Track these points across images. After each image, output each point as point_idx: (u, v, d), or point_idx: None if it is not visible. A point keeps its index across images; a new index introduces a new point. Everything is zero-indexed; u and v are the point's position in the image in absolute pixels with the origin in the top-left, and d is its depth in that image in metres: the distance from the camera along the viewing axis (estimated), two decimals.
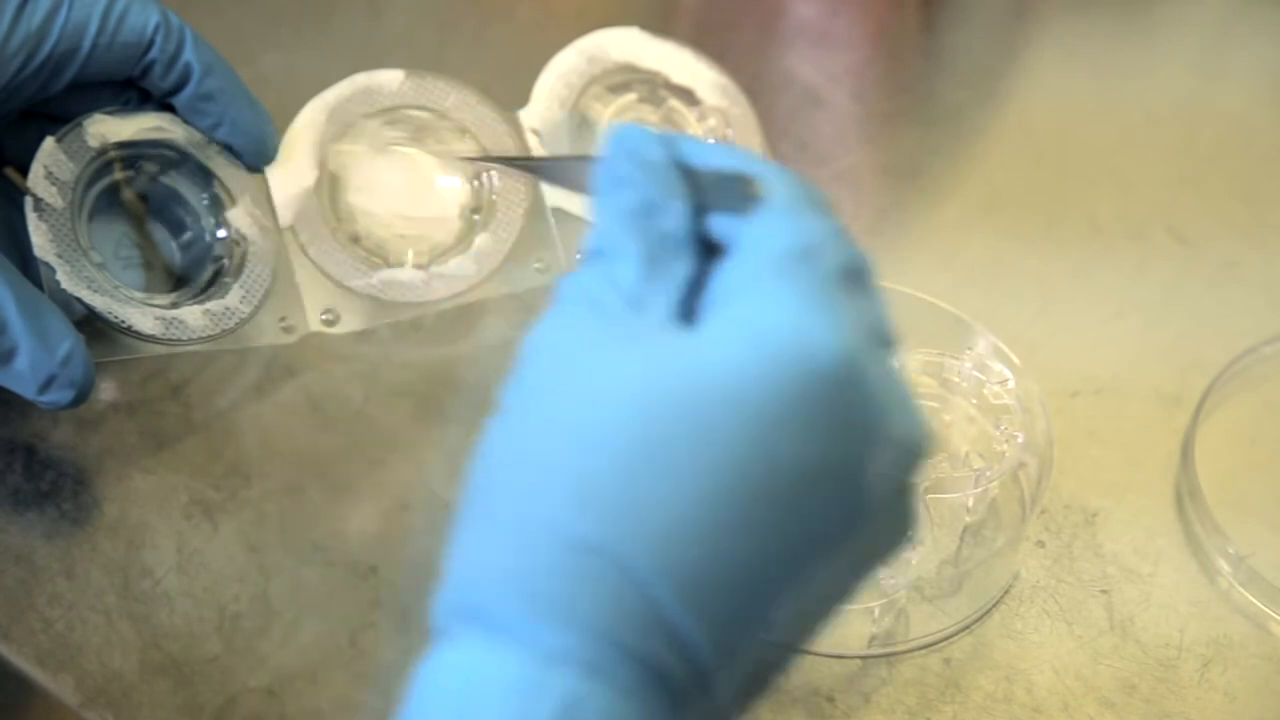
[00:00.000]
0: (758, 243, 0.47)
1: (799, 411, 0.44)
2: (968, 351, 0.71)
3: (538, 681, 0.42)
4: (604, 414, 0.44)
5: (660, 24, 0.81)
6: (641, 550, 0.43)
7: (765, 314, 0.45)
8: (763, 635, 0.44)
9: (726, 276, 0.47)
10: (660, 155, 0.49)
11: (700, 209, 0.48)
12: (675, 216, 0.48)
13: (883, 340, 0.47)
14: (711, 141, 0.50)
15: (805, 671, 0.64)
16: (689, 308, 0.47)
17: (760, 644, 0.45)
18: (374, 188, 0.75)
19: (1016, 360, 0.71)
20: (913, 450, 0.46)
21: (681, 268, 0.47)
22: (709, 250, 0.48)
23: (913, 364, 0.71)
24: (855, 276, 0.47)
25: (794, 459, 0.44)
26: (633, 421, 0.44)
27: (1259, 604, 0.68)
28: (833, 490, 0.44)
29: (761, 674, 0.46)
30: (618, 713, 0.42)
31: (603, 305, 0.47)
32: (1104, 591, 0.68)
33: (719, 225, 0.48)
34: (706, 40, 0.83)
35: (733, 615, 0.43)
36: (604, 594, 0.43)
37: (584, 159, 0.52)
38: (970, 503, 0.68)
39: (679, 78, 0.80)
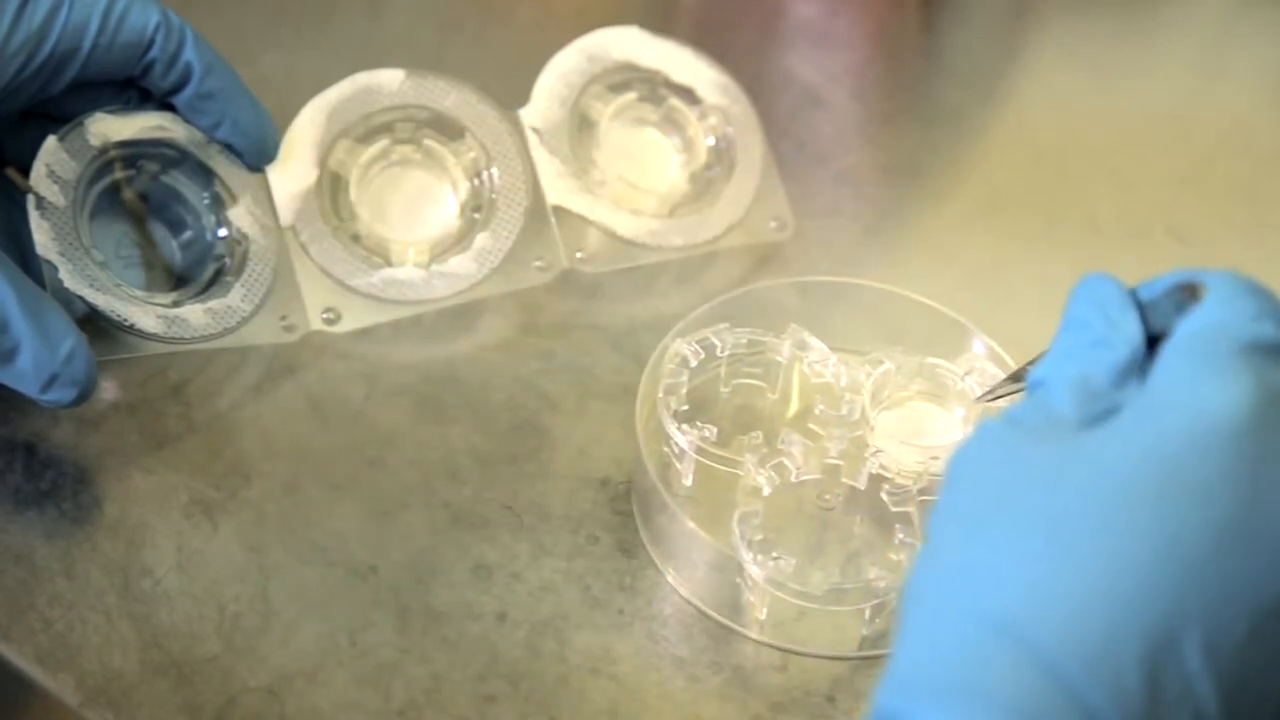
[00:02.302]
0: (1177, 332, 0.49)
1: (1194, 477, 0.45)
2: (964, 355, 0.71)
3: None
4: (1015, 510, 0.46)
5: (660, 24, 0.81)
6: (1048, 630, 0.43)
7: (1166, 390, 0.47)
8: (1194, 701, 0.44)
9: (1153, 369, 0.49)
10: (1117, 297, 0.52)
11: (1149, 333, 0.51)
12: (1117, 355, 0.50)
13: None
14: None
15: (804, 672, 0.64)
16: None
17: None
18: None
19: (1013, 363, 0.70)
20: None
21: (1113, 396, 0.49)
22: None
23: (909, 367, 0.71)
24: (1273, 352, 0.48)
25: (1195, 525, 0.44)
26: (1042, 512, 0.45)
27: None
28: (1245, 552, 0.44)
29: None
30: None
31: (1023, 423, 0.49)
32: None
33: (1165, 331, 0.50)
34: (706, 40, 0.83)
35: (1150, 694, 0.43)
36: (1010, 674, 0.43)
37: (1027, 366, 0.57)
38: None
39: (679, 76, 0.80)
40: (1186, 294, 0.51)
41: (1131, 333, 0.50)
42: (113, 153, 0.71)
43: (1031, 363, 0.55)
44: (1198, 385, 0.46)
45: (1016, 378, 0.63)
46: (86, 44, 0.67)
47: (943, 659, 0.44)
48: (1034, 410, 0.49)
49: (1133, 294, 0.52)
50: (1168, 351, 0.49)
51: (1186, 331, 0.49)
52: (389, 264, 0.75)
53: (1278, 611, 0.44)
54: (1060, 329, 0.52)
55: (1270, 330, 0.49)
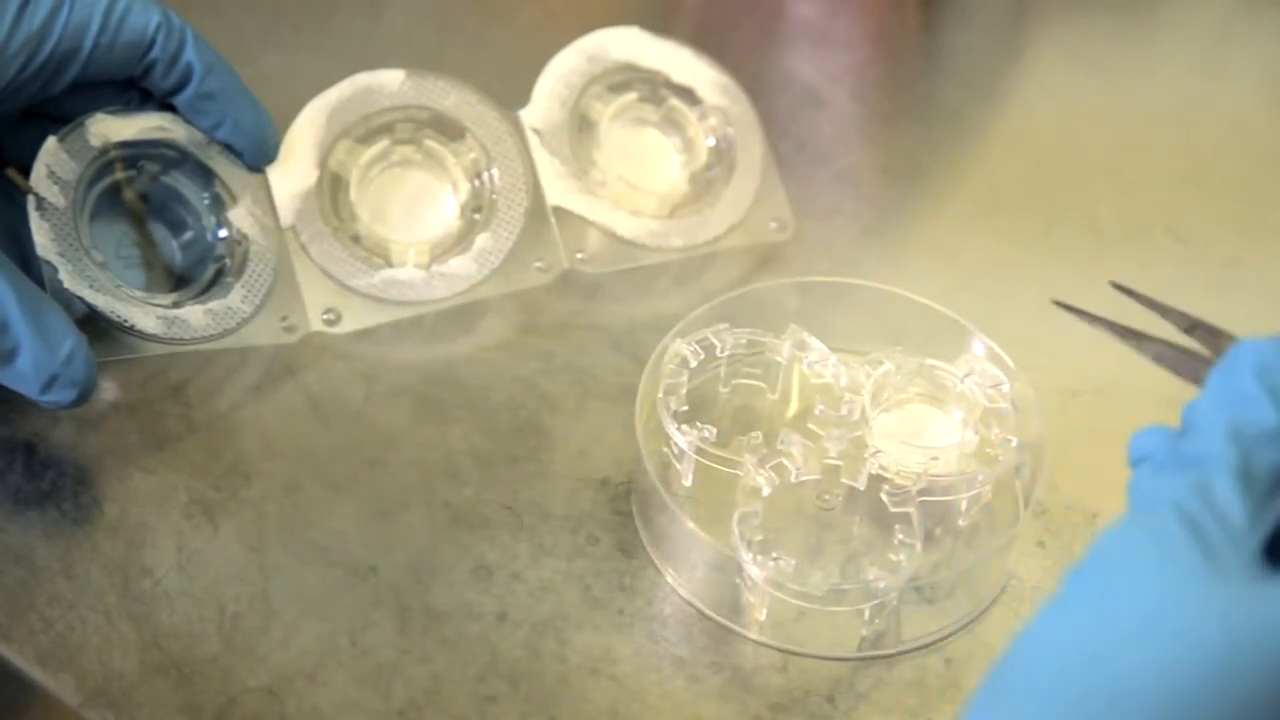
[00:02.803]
0: None
1: None
2: (963, 355, 0.71)
3: None
4: (1165, 644, 0.43)
5: (661, 24, 0.81)
6: None
7: None
8: None
9: None
10: None
11: None
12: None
13: None
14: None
15: (804, 672, 0.64)
16: None
17: None
18: None
19: (1011, 363, 0.71)
20: None
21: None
22: None
23: (908, 368, 0.71)
24: None
25: None
26: (1192, 661, 0.43)
27: None
28: None
29: None
30: None
31: (1205, 535, 0.45)
32: None
33: None
34: (707, 40, 0.83)
35: None
36: None
37: (1203, 360, 0.51)
38: (964, 506, 0.68)
39: (679, 77, 0.80)
40: None
41: None
42: (113, 153, 0.71)
43: (1145, 336, 0.51)
44: None
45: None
46: (87, 44, 0.67)
47: None
48: (1204, 510, 0.45)
49: None
50: None
51: None
52: (389, 265, 0.75)
53: None
54: (1217, 394, 0.47)
55: None
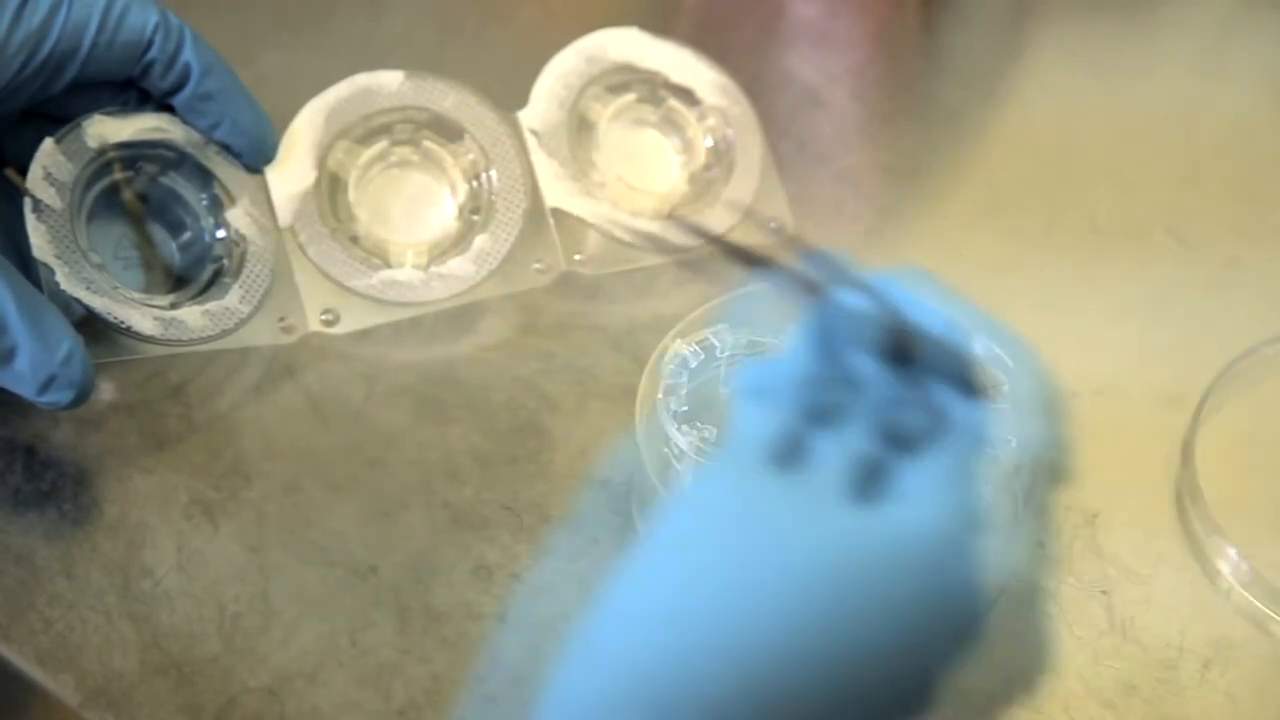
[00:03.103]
0: (962, 435, 0.47)
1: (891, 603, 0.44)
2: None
3: None
4: (752, 563, 0.44)
5: (660, 24, 0.81)
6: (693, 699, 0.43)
7: (919, 509, 0.46)
8: None
9: (920, 464, 0.47)
10: (880, 329, 0.48)
11: (920, 378, 0.48)
12: (868, 405, 0.47)
13: (983, 525, 0.47)
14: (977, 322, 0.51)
15: None
16: (871, 484, 0.46)
17: None
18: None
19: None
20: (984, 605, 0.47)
21: (856, 445, 0.47)
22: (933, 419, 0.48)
23: None
24: (1044, 485, 0.48)
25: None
26: (784, 572, 0.44)
27: (1260, 605, 0.68)
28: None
29: None
30: None
31: (767, 459, 0.46)
32: (1104, 592, 0.68)
33: (945, 400, 0.48)
34: (706, 40, 0.83)
35: None
36: None
37: (816, 286, 0.50)
38: None
39: (678, 77, 0.80)
40: (972, 371, 0.48)
41: (879, 397, 0.47)
42: (111, 154, 0.71)
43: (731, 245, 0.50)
44: (954, 526, 0.46)
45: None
46: (86, 43, 0.67)
47: (591, 701, 0.43)
48: (750, 446, 0.46)
49: (898, 330, 0.48)
50: (946, 456, 0.47)
51: (969, 443, 0.47)
52: (388, 265, 0.75)
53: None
54: (811, 332, 0.48)
55: (1060, 469, 0.48)
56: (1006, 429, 0.68)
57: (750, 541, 0.44)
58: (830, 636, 0.43)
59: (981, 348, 0.50)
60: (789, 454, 0.46)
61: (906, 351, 0.48)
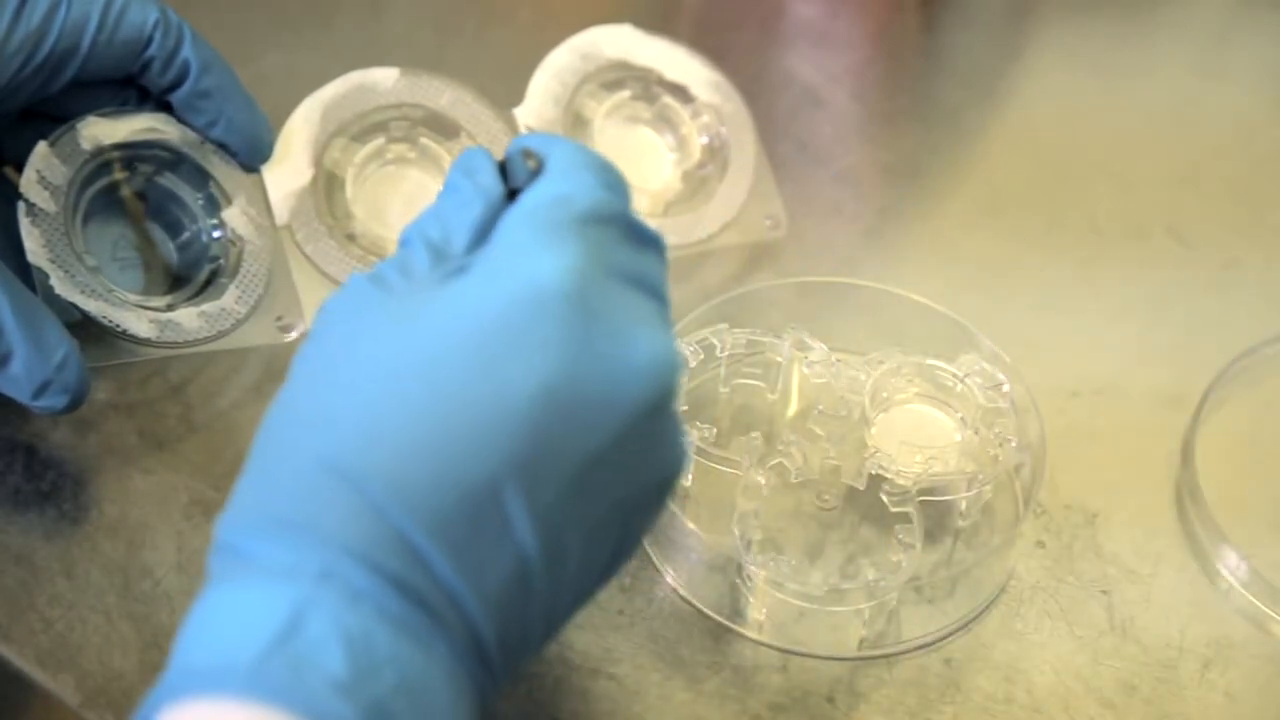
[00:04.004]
0: (519, 202, 0.52)
1: (518, 338, 0.48)
2: (964, 355, 0.71)
3: (269, 596, 0.45)
4: (359, 360, 0.49)
5: (660, 24, 0.81)
6: (376, 472, 0.46)
7: (501, 255, 0.50)
8: (528, 564, 0.47)
9: (494, 235, 0.52)
10: (483, 163, 0.55)
11: (508, 187, 0.55)
12: (467, 218, 0.53)
13: (635, 282, 0.51)
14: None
15: (804, 672, 0.64)
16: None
17: (526, 571, 0.47)
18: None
19: (1010, 362, 0.71)
20: (654, 374, 0.49)
21: (461, 246, 0.53)
22: None
23: (908, 368, 0.71)
24: (616, 228, 0.52)
25: (518, 382, 0.47)
26: (382, 363, 0.48)
27: (1259, 604, 0.68)
28: (567, 409, 0.48)
29: (534, 617, 0.48)
30: (351, 619, 0.45)
31: (384, 279, 0.52)
32: (1104, 592, 0.68)
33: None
34: (706, 40, 0.83)
35: (470, 531, 0.47)
36: (339, 510, 0.46)
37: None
38: (964, 506, 0.68)
39: (672, 75, 0.80)
40: (533, 163, 0.54)
41: (488, 195, 0.54)
42: (106, 155, 0.71)
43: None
44: (532, 252, 0.50)
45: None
46: (86, 42, 0.67)
47: (280, 496, 0.47)
48: (396, 267, 0.52)
49: (497, 162, 0.55)
50: (508, 219, 0.52)
51: (528, 202, 0.52)
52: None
53: (595, 463, 0.48)
54: (442, 191, 0.55)
55: (604, 202, 0.52)
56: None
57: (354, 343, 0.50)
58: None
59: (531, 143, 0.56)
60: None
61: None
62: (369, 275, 0.52)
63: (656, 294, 0.52)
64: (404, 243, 0.54)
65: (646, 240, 0.53)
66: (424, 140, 0.77)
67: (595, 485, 0.48)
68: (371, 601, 0.46)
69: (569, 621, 0.50)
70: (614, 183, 0.54)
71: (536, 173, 0.54)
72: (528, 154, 0.54)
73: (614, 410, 0.49)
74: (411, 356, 0.48)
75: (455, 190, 0.54)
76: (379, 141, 0.77)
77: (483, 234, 0.53)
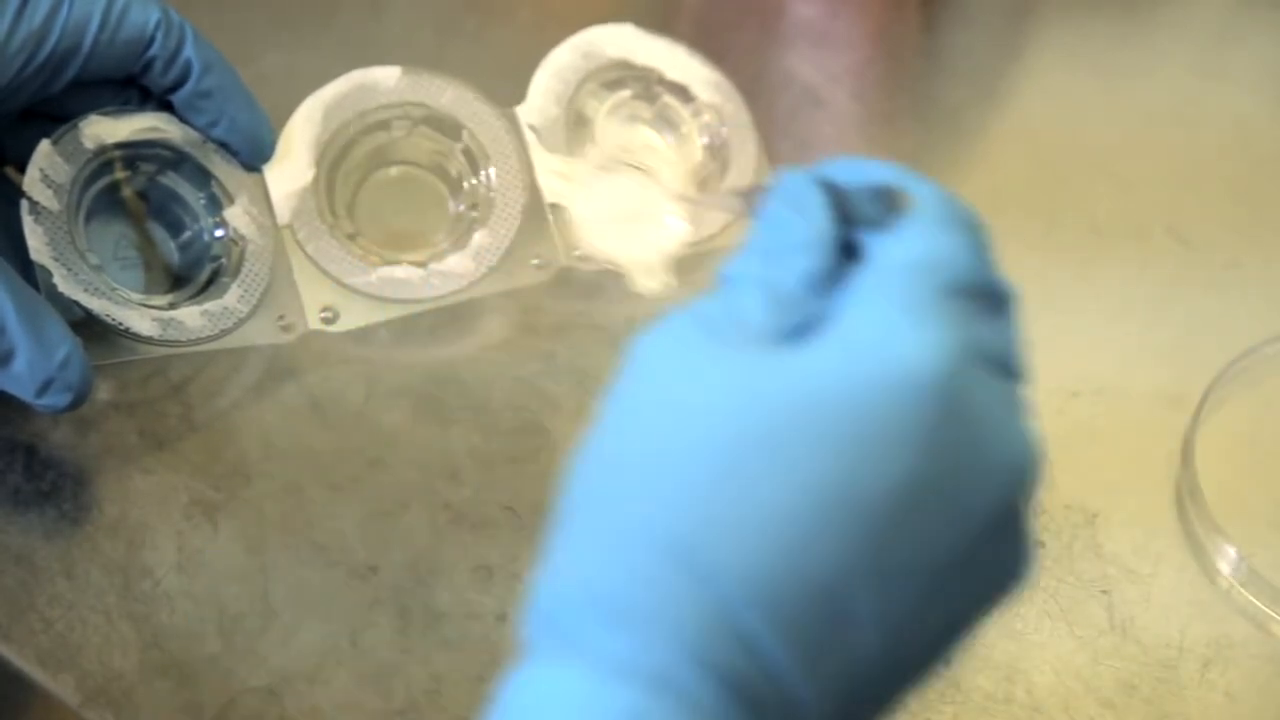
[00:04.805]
0: (880, 257, 0.46)
1: (882, 428, 0.43)
2: None
3: (599, 695, 0.41)
4: (698, 427, 0.43)
5: (660, 24, 0.81)
6: (720, 560, 0.42)
7: (862, 327, 0.44)
8: (867, 664, 0.43)
9: (847, 292, 0.46)
10: (816, 199, 0.48)
11: (847, 227, 0.48)
12: (809, 265, 0.47)
13: (997, 364, 0.45)
14: (870, 162, 0.50)
15: None
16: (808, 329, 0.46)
17: (862, 671, 0.43)
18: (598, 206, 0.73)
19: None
20: (1014, 471, 0.44)
21: (803, 307, 0.46)
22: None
23: None
24: (982, 297, 0.46)
25: (878, 476, 0.42)
26: (725, 435, 0.43)
27: (1259, 604, 0.68)
28: (928, 510, 0.43)
29: (867, 705, 0.44)
30: None
31: (712, 324, 0.46)
32: (1104, 592, 0.68)
33: (865, 240, 0.47)
34: (706, 40, 0.83)
35: (817, 632, 0.42)
36: (677, 600, 0.42)
37: (754, 192, 0.51)
38: None
39: (673, 74, 0.80)
40: (888, 202, 0.48)
41: (828, 238, 0.47)
42: (108, 154, 0.71)
43: (756, 192, 0.51)
44: (895, 330, 0.44)
45: (743, 200, 0.56)
46: (87, 41, 0.67)
47: (612, 575, 0.42)
48: (723, 309, 0.46)
49: (832, 193, 0.48)
50: (867, 282, 0.46)
51: (889, 263, 0.46)
52: (386, 262, 0.75)
53: (946, 565, 0.43)
54: (758, 225, 0.49)
55: (977, 273, 0.47)
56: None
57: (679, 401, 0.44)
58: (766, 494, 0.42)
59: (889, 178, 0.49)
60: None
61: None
62: (692, 315, 0.46)
63: (1015, 371, 0.46)
64: (729, 282, 0.48)
65: (1005, 304, 0.48)
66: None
67: (943, 588, 0.44)
68: (709, 713, 0.41)
69: None
70: (986, 243, 0.48)
71: (887, 215, 0.48)
72: (889, 195, 0.48)
73: (971, 513, 0.44)
74: (757, 430, 0.43)
75: (783, 227, 0.48)
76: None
77: (823, 284, 0.47)
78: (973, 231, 0.48)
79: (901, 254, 0.46)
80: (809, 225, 0.47)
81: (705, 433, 0.43)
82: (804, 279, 0.46)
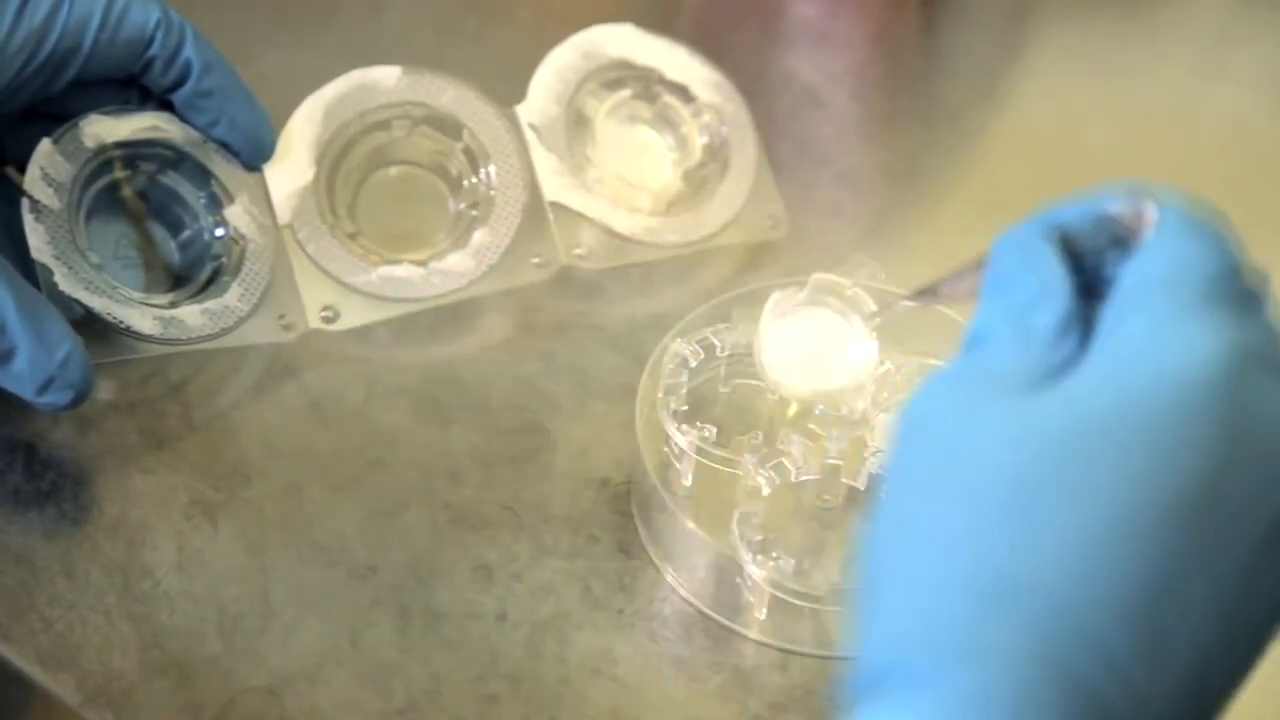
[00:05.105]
0: (1129, 278, 0.47)
1: (1173, 427, 0.43)
2: None
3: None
4: (984, 471, 0.44)
5: (661, 24, 0.81)
6: (1041, 582, 0.42)
7: (1131, 341, 0.45)
8: (1198, 657, 0.43)
9: (1102, 321, 0.47)
10: (1044, 250, 0.49)
11: (1083, 261, 0.49)
12: (1054, 311, 0.47)
13: (1265, 360, 0.45)
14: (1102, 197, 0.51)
15: (805, 672, 0.64)
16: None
17: (1199, 667, 0.44)
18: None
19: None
20: None
21: (1058, 349, 0.47)
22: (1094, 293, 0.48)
23: (909, 368, 0.71)
24: (1240, 297, 0.46)
25: (1177, 471, 0.43)
26: (1012, 472, 0.44)
27: None
28: (1240, 480, 0.43)
29: (1210, 700, 0.45)
30: None
31: (973, 379, 0.47)
32: None
33: (1106, 268, 0.48)
34: (707, 40, 0.83)
35: (1138, 648, 0.42)
36: (1013, 629, 0.42)
37: (977, 266, 0.53)
38: None
39: (673, 74, 0.80)
40: (1118, 227, 0.49)
41: (1066, 284, 0.48)
42: (109, 154, 0.71)
43: (927, 289, 0.53)
44: (1166, 338, 0.45)
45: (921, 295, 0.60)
46: (88, 41, 0.67)
47: (934, 622, 0.43)
48: (979, 366, 0.47)
49: (1059, 236, 0.50)
50: (1121, 302, 0.47)
51: (1142, 280, 0.47)
52: (386, 261, 0.75)
53: (1264, 544, 0.44)
54: (988, 287, 0.50)
55: (1231, 273, 0.47)
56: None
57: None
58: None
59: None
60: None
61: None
62: (951, 376, 0.48)
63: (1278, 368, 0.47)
64: (979, 341, 0.48)
65: (1261, 301, 0.48)
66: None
67: (1259, 566, 0.44)
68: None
69: None
70: (1232, 241, 0.48)
71: (1122, 238, 0.48)
72: (1115, 221, 0.49)
73: (1258, 518, 0.44)
74: (1044, 456, 0.44)
75: (1019, 284, 0.49)
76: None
77: (1071, 326, 0.47)
78: (1216, 233, 0.48)
79: (1153, 269, 0.46)
80: (1043, 277, 0.48)
81: (990, 474, 0.44)
82: (1052, 323, 0.47)
